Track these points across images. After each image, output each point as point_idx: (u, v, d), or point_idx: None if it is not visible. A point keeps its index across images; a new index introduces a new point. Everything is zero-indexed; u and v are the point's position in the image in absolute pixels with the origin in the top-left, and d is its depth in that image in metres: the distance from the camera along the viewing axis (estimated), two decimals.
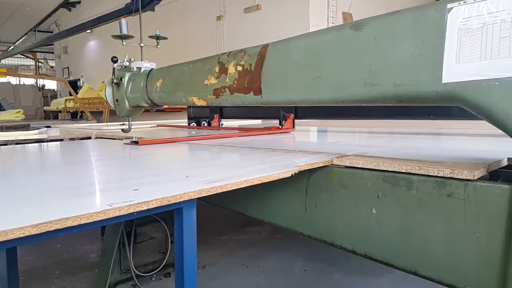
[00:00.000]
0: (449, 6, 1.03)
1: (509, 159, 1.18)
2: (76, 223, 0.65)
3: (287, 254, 2.67)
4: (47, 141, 2.55)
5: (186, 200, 0.81)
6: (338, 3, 8.19)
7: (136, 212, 0.72)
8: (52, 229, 0.63)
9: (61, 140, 2.66)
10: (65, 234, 0.68)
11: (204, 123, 3.81)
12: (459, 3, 1.02)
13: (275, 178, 1.02)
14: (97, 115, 8.79)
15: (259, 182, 0.97)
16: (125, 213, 0.70)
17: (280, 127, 2.99)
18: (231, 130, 3.04)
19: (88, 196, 0.83)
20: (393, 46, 1.10)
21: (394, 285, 2.26)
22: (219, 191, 0.87)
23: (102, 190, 0.89)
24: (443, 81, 1.01)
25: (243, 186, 0.92)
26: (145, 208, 0.74)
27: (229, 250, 2.73)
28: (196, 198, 0.84)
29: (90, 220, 0.67)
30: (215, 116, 3.68)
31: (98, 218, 0.68)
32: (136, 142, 2.06)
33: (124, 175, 1.13)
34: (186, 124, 3.94)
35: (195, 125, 3.87)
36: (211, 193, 0.85)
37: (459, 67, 0.99)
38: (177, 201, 0.79)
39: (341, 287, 2.27)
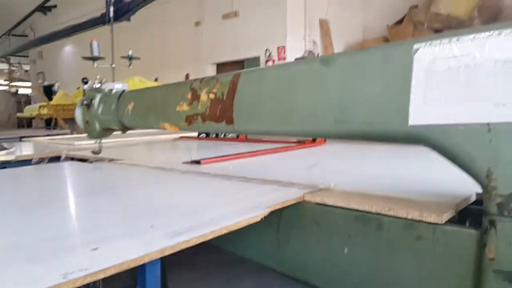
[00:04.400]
0: (415, 46, 1.03)
1: (477, 194, 1.18)
2: None
3: (265, 277, 2.64)
4: (14, 163, 2.47)
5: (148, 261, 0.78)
6: (315, 10, 8.24)
7: (92, 281, 0.69)
8: None
9: (29, 160, 2.58)
10: None
11: (213, 135, 3.77)
12: (425, 44, 1.02)
13: (244, 225, 1.00)
14: (72, 122, 8.58)
15: (227, 232, 0.95)
16: (80, 285, 0.67)
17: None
18: (262, 143, 3.06)
19: (40, 261, 0.77)
20: (361, 84, 1.10)
21: None
22: (183, 247, 0.84)
23: (56, 250, 0.83)
24: (410, 123, 1.00)
25: (210, 237, 0.90)
26: (103, 276, 0.70)
27: (204, 272, 2.68)
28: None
29: None
30: None
31: None
32: (198, 162, 2.06)
33: (81, 224, 1.08)
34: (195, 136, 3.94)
35: (205, 136, 3.84)
36: (176, 250, 0.83)
37: (425, 110, 0.99)
38: (138, 264, 0.76)
39: None
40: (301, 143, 2.94)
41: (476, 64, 0.93)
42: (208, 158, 2.17)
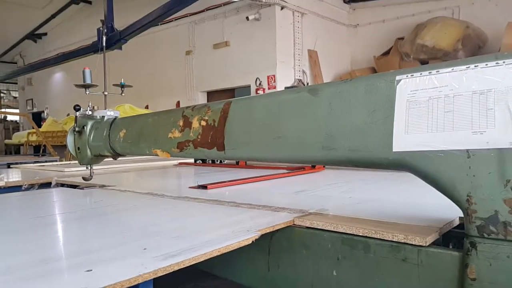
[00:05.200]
0: (397, 78, 1.09)
1: (460, 218, 1.23)
2: None
3: None
4: (4, 189, 2.46)
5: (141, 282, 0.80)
6: (304, 41, 8.48)
7: None
8: None
9: (19, 186, 2.57)
10: None
11: (209, 161, 3.82)
12: (407, 76, 1.08)
13: (236, 247, 1.03)
14: (61, 149, 8.56)
15: (219, 254, 0.97)
16: None
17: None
18: (261, 169, 3.11)
19: (36, 282, 0.78)
20: (347, 113, 1.15)
21: None
22: (176, 268, 0.86)
23: (52, 272, 0.85)
24: (394, 149, 1.05)
25: (202, 260, 0.92)
26: None
27: None
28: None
29: None
30: None
31: None
32: (204, 187, 2.12)
33: (75, 247, 1.10)
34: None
35: (201, 162, 3.90)
36: (168, 271, 0.84)
37: (408, 137, 1.04)
38: (131, 284, 0.77)
39: None
40: (300, 169, 2.99)
41: (455, 95, 0.99)
42: (214, 183, 2.23)
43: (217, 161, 3.79)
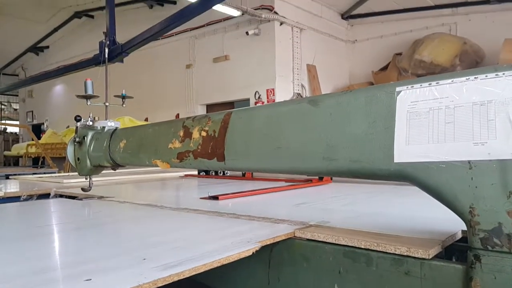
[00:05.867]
0: (398, 89, 1.09)
1: (463, 231, 1.22)
2: None
3: None
4: (2, 199, 2.44)
5: None
6: (303, 56, 8.55)
7: None
8: None
9: (18, 197, 2.55)
10: None
11: (212, 173, 3.82)
12: (407, 87, 1.09)
13: (236, 259, 1.01)
14: (60, 161, 8.54)
15: (219, 265, 0.96)
16: None
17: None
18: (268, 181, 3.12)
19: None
20: (347, 124, 1.15)
21: None
22: (176, 279, 0.85)
23: (51, 280, 0.84)
24: (395, 160, 1.05)
25: (202, 270, 0.91)
26: None
27: None
28: None
29: None
30: None
31: None
32: (216, 198, 2.14)
33: (74, 257, 1.08)
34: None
35: (204, 174, 3.92)
36: (168, 282, 0.83)
37: (409, 148, 1.04)
38: None
39: None
40: (308, 181, 2.98)
41: (455, 106, 0.99)
42: (225, 194, 2.25)
43: (220, 173, 3.78)
